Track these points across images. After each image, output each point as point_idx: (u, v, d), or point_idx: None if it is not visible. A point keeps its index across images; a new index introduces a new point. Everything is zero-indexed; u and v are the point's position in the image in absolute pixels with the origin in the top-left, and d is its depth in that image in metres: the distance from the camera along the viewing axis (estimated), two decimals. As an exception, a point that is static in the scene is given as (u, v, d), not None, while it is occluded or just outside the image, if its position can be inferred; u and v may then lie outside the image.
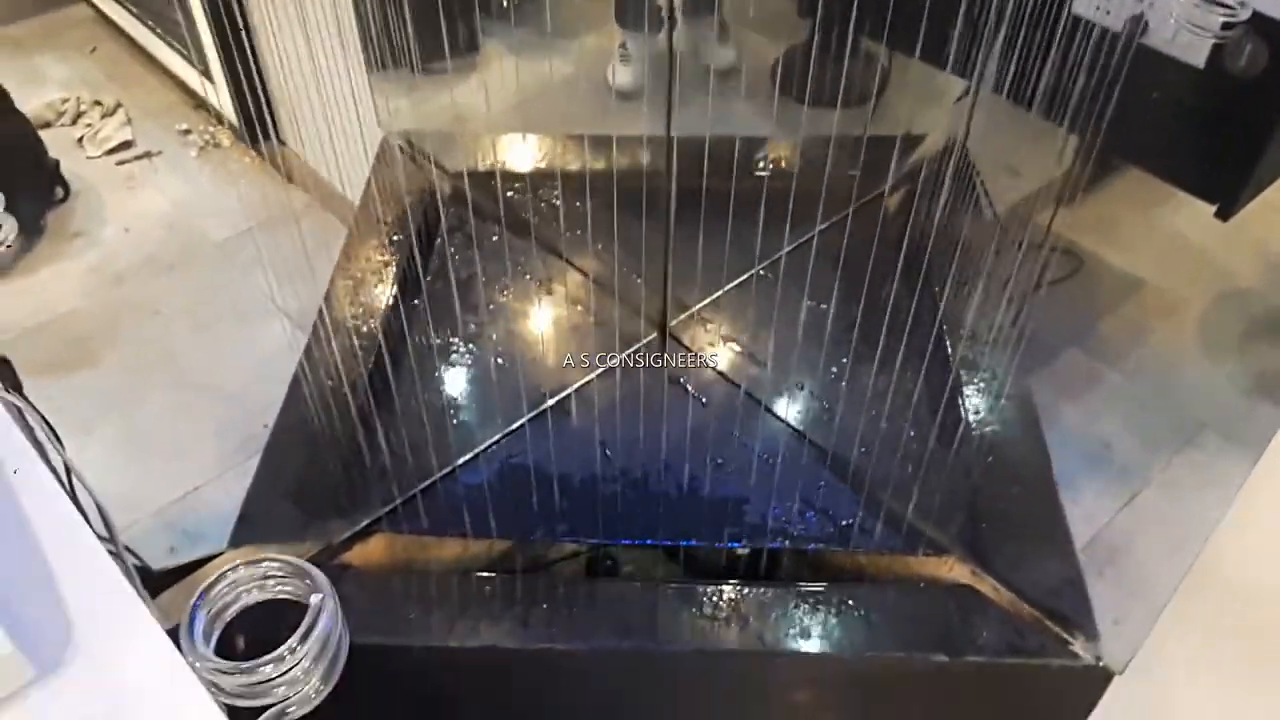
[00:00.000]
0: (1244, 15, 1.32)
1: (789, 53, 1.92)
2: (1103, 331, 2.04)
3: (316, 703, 0.69)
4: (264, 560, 0.72)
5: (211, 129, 2.49)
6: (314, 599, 0.69)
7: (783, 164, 1.74)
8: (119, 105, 2.56)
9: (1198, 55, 1.43)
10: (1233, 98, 1.41)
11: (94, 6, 2.77)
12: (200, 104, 2.52)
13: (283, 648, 0.67)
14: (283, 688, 0.67)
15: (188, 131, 2.51)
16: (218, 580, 0.71)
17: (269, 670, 0.66)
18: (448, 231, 1.62)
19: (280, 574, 0.72)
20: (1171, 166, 1.58)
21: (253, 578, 0.71)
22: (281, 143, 2.30)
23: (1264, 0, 1.32)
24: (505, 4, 1.51)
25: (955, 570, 1.19)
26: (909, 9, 1.38)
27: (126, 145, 2.47)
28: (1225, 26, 1.34)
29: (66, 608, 0.66)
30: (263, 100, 2.21)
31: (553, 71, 1.48)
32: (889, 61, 1.78)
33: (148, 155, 2.45)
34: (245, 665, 0.66)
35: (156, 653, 0.66)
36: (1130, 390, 1.95)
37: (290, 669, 0.67)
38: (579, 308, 1.50)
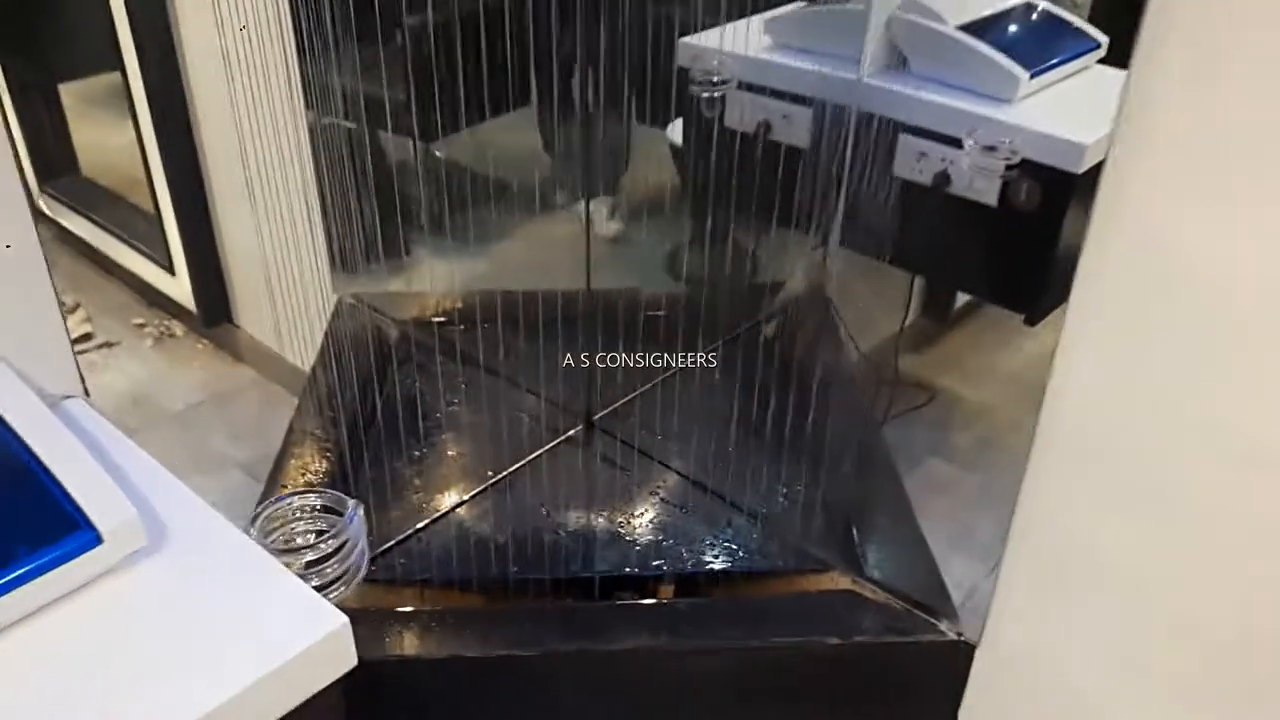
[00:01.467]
0: (1016, 159, 1.76)
1: (676, 249, 2.32)
2: (959, 444, 2.38)
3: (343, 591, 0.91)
4: (310, 491, 0.95)
5: (166, 322, 2.76)
6: (352, 506, 0.93)
7: (676, 304, 2.10)
8: (78, 305, 2.82)
9: (991, 196, 1.85)
10: (1021, 226, 1.82)
11: (56, 225, 3.07)
12: (154, 301, 2.79)
13: (329, 534, 0.90)
14: (329, 566, 0.89)
15: (143, 324, 2.77)
16: (275, 501, 0.94)
17: (312, 553, 0.89)
18: (398, 365, 1.89)
19: (322, 499, 0.95)
20: (986, 287, 1.98)
21: (304, 500, 0.94)
22: (235, 325, 2.58)
23: (1032, 149, 1.75)
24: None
25: (839, 581, 1.44)
26: (767, 194, 1.80)
27: (87, 338, 2.71)
28: (1007, 168, 1.78)
29: (159, 512, 0.89)
30: (224, 285, 2.51)
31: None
32: (756, 236, 2.20)
33: (107, 345, 2.69)
34: (298, 546, 0.89)
35: (233, 538, 0.88)
36: (986, 486, 2.27)
37: (328, 556, 0.90)
38: (518, 410, 1.78)
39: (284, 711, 0.79)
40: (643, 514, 1.53)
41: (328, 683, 0.81)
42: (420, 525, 1.47)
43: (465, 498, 1.54)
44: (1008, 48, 1.83)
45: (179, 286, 2.58)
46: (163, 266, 2.60)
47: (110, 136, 3.03)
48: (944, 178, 1.85)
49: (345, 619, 0.80)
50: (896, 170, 1.91)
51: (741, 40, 2.00)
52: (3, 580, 0.76)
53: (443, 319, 2.00)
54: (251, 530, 0.91)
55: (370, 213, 1.96)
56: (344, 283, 2.05)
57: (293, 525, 0.92)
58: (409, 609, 1.34)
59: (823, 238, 2.02)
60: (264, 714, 0.78)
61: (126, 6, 2.20)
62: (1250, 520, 1.03)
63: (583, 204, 1.85)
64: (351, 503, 0.92)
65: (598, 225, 2.06)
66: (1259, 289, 0.94)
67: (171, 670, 0.76)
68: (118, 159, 2.91)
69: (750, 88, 2.00)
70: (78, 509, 0.80)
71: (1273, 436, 0.99)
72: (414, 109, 2.01)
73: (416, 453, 1.64)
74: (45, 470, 0.83)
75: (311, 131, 1.98)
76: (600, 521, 1.51)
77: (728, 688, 1.36)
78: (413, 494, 1.54)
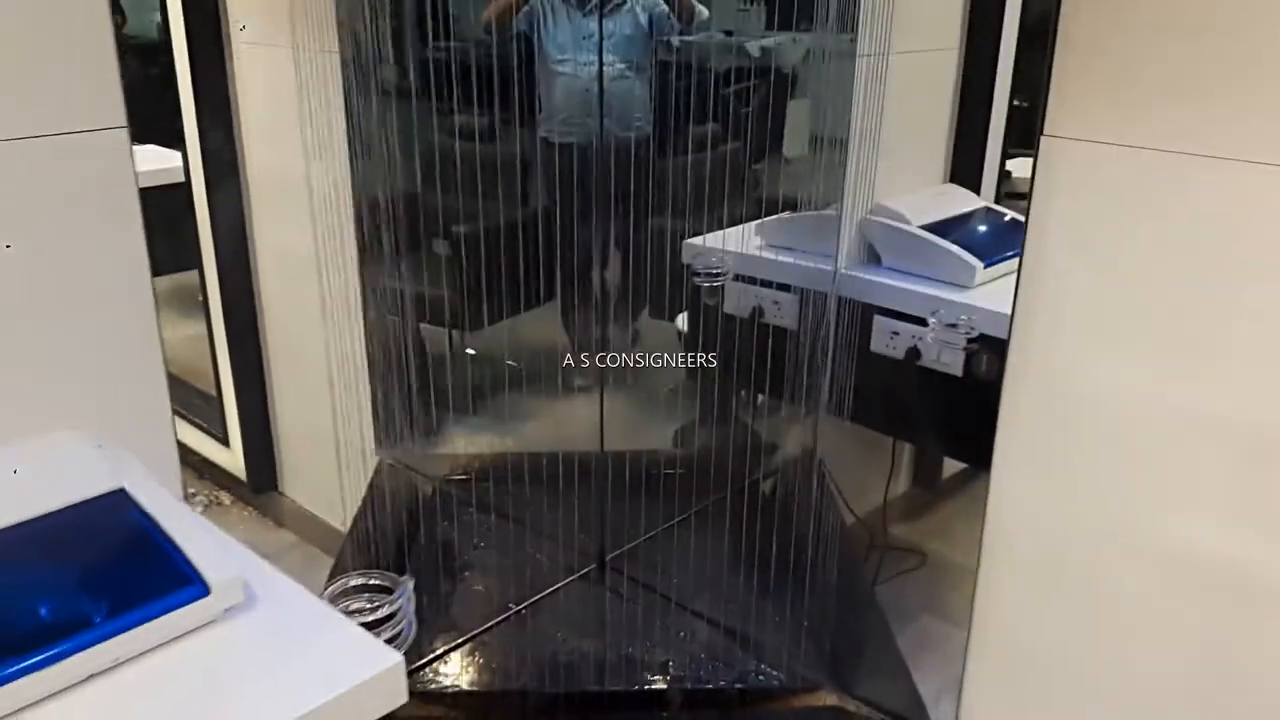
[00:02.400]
0: (976, 334, 2.02)
1: (684, 425, 2.58)
2: (950, 603, 2.53)
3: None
4: (371, 571, 1.16)
5: (216, 492, 3.00)
6: (404, 580, 1.13)
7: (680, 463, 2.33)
8: (136, 478, 3.06)
9: (956, 368, 2.11)
10: (984, 392, 2.06)
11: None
12: (206, 473, 3.04)
13: (385, 602, 1.10)
14: (384, 630, 1.09)
15: (194, 494, 3.01)
16: (339, 578, 1.15)
17: (371, 616, 1.09)
18: (431, 515, 2.11)
19: (380, 579, 1.16)
20: (955, 447, 2.20)
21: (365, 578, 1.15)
22: (280, 493, 2.81)
23: (989, 325, 2.01)
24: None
25: (827, 699, 1.60)
26: (761, 368, 2.07)
27: (141, 506, 2.94)
28: (969, 342, 2.04)
29: (249, 579, 1.10)
30: (273, 455, 2.76)
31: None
32: (753, 405, 2.45)
33: (159, 513, 2.92)
34: (360, 608, 1.09)
35: (309, 601, 1.09)
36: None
37: (384, 620, 1.10)
38: (538, 552, 1.98)
39: (348, 731, 0.97)
40: (650, 640, 1.71)
41: (386, 711, 1.00)
42: (450, 645, 1.65)
43: (490, 624, 1.72)
44: (966, 243, 2.13)
45: (232, 457, 2.83)
46: (218, 439, 2.86)
47: (172, 331, 3.38)
48: (915, 352, 2.11)
49: (400, 658, 1.00)
50: (873, 347, 2.18)
51: (737, 241, 2.32)
52: (137, 617, 0.97)
53: (472, 476, 2.24)
54: (323, 597, 1.11)
55: (411, 391, 2.23)
56: (385, 451, 2.30)
57: (355, 599, 1.12)
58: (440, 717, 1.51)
59: (812, 406, 2.27)
60: (333, 730, 0.96)
61: (211, 213, 2.57)
62: (1171, 614, 1.22)
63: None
64: (403, 579, 1.12)
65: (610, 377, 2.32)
66: (1150, 419, 1.18)
67: (260, 693, 0.95)
68: (179, 351, 3.24)
69: (745, 279, 2.30)
70: (193, 568, 1.02)
71: (1180, 537, 1.19)
72: (453, 305, 2.32)
73: (446, 587, 1.84)
74: (166, 537, 1.05)
75: (365, 323, 2.25)
76: (611, 646, 1.69)
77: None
78: (444, 619, 1.73)
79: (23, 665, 0.91)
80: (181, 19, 2.35)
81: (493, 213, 2.26)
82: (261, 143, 2.42)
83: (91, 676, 0.95)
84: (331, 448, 2.34)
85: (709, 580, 1.87)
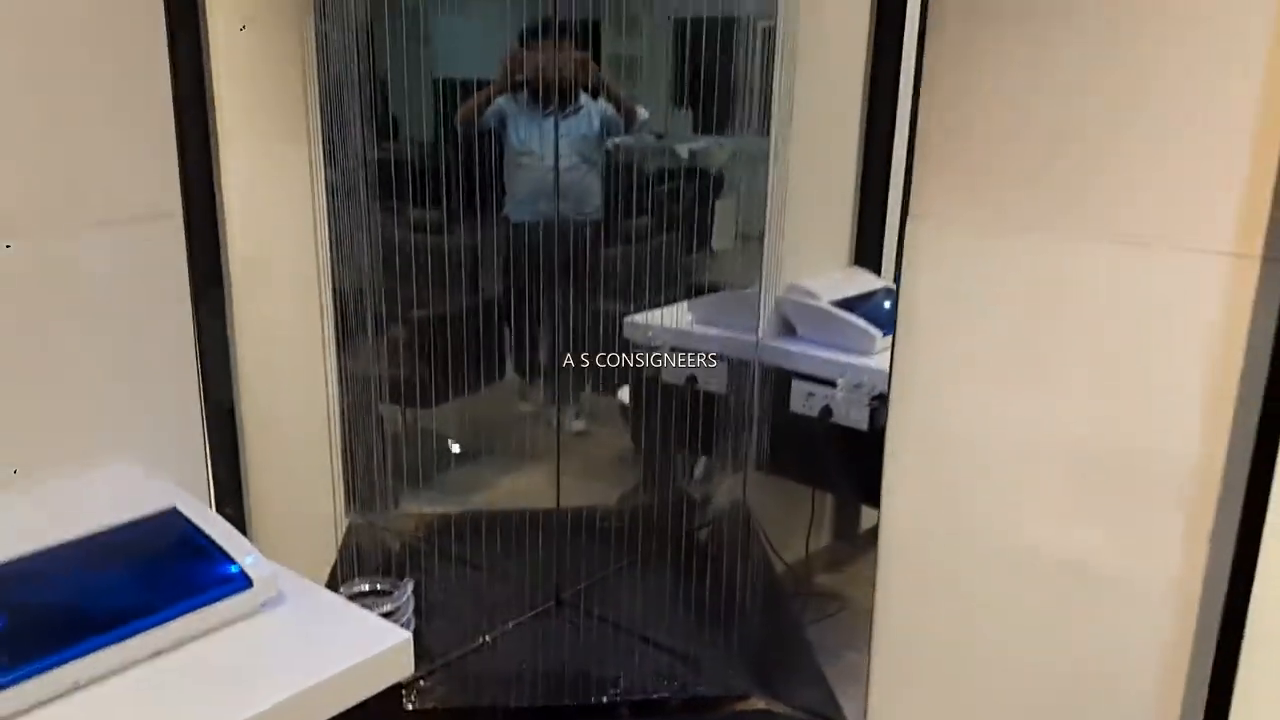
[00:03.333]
0: (877, 393, 2.33)
1: (628, 494, 2.85)
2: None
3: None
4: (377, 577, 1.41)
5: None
6: (405, 582, 1.38)
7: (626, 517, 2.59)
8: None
9: (863, 423, 2.42)
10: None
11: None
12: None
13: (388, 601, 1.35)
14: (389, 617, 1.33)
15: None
16: (347, 584, 1.39)
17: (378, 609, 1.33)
18: (401, 564, 2.33)
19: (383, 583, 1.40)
20: (864, 494, 2.49)
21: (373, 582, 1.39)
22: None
23: (886, 385, 2.34)
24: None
25: (756, 703, 1.85)
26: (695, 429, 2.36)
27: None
28: (872, 399, 2.35)
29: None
30: (244, 522, 2.95)
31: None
32: (689, 462, 2.74)
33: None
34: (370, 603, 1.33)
35: (328, 596, 1.33)
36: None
37: (390, 612, 1.34)
38: (505, 594, 2.21)
39: (371, 693, 1.21)
40: (602, 661, 1.95)
41: (398, 679, 1.24)
42: (427, 670, 1.87)
43: (462, 652, 1.95)
44: (868, 316, 2.46)
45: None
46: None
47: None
48: (827, 410, 2.42)
49: (407, 635, 1.24)
50: (792, 407, 2.48)
51: (672, 318, 2.63)
52: (196, 603, 1.20)
53: (436, 532, 2.46)
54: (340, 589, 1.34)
55: (385, 460, 2.47)
56: (356, 515, 2.52)
57: (363, 600, 1.35)
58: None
59: (740, 463, 2.56)
60: (356, 693, 1.20)
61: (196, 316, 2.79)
62: (1026, 601, 1.52)
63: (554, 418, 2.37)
64: (404, 582, 1.36)
65: (567, 424, 2.59)
66: (1002, 444, 1.49)
67: (294, 660, 1.19)
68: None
69: (680, 350, 2.61)
70: (238, 567, 1.26)
71: (1030, 537, 1.49)
72: (412, 383, 2.58)
73: (419, 624, 2.05)
74: (214, 544, 1.29)
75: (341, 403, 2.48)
76: (569, 666, 1.92)
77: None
78: (419, 648, 1.94)
79: (106, 640, 1.14)
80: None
81: (454, 298, 2.54)
82: (242, 229, 2.68)
83: (160, 652, 1.18)
84: (303, 512, 2.57)
85: (653, 612, 2.12)
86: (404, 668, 1.26)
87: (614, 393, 2.99)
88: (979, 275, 1.49)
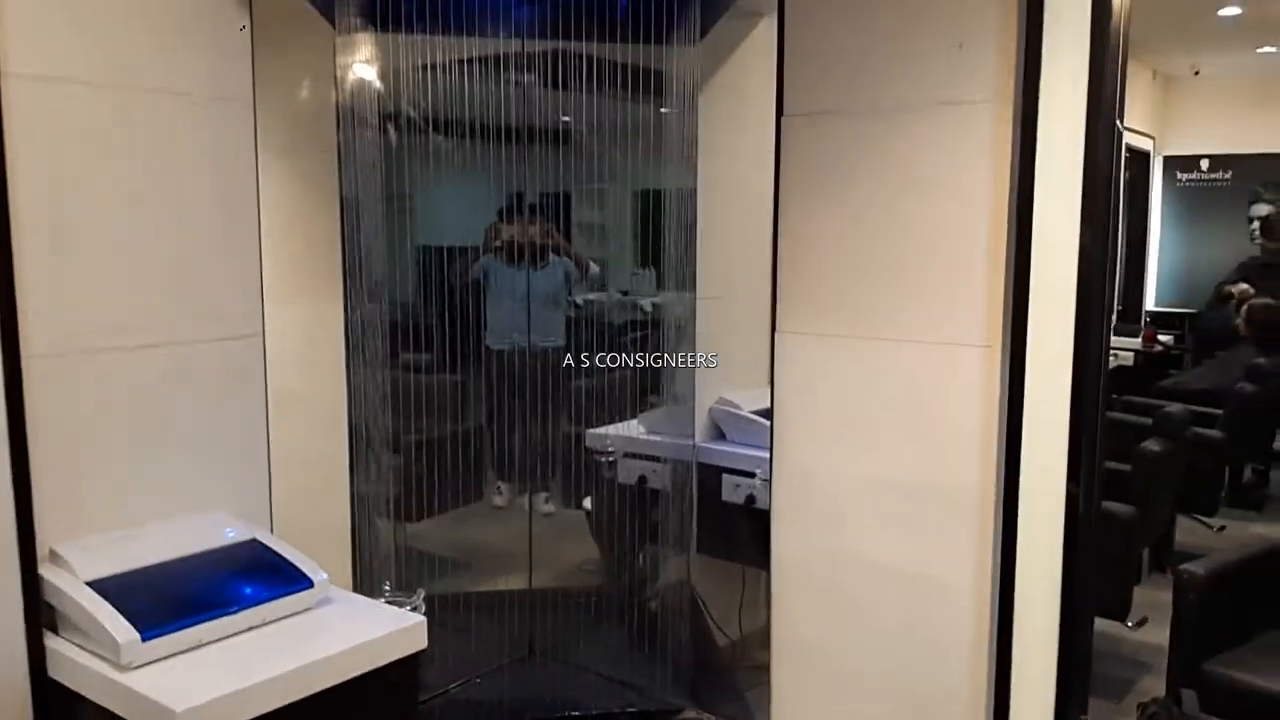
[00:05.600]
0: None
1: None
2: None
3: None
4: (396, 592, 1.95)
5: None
6: (419, 591, 1.92)
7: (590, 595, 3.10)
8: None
9: (779, 507, 2.98)
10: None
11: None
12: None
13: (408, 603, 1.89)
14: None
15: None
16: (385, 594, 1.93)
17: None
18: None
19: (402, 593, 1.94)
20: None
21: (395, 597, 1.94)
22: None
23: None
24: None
25: (689, 713, 2.35)
26: (646, 521, 2.92)
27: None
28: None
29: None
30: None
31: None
32: (641, 549, 3.27)
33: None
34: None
35: (363, 599, 1.87)
36: None
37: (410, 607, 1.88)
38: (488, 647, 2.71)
39: (394, 658, 1.74)
40: (569, 690, 2.46)
41: (416, 649, 1.78)
42: (429, 697, 2.37)
43: (451, 686, 2.45)
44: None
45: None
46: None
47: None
48: (751, 498, 2.98)
49: (422, 618, 1.78)
50: (724, 497, 3.04)
51: (626, 429, 3.22)
52: (277, 595, 1.75)
53: (437, 608, 2.97)
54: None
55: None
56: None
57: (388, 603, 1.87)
58: None
59: (683, 546, 3.10)
60: (384, 655, 1.73)
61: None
62: (878, 603, 2.08)
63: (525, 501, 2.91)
64: (418, 590, 1.88)
65: (538, 506, 3.14)
66: (848, 485, 2.08)
67: (344, 632, 1.73)
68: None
69: (632, 455, 3.18)
70: (301, 573, 1.81)
71: (875, 552, 2.06)
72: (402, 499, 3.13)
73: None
74: (286, 561, 1.84)
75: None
76: (544, 691, 2.43)
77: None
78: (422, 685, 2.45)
79: (217, 614, 1.69)
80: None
81: (440, 425, 3.12)
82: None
83: (253, 627, 1.72)
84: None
85: (611, 657, 2.62)
86: (420, 641, 1.80)
87: (578, 505, 3.54)
88: (819, 369, 2.12)
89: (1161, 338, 6.57)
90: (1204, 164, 8.00)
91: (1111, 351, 6.05)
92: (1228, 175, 7.91)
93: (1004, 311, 1.90)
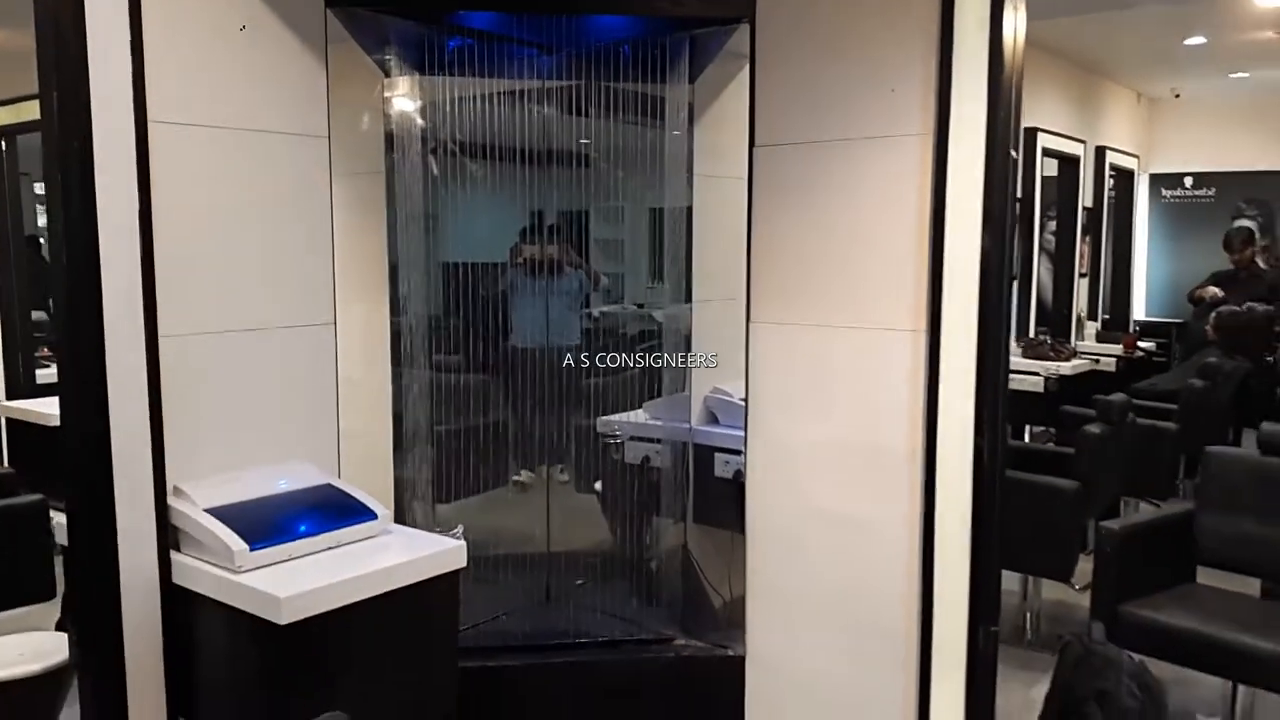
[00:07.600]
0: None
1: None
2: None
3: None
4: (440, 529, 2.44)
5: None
6: (460, 526, 2.40)
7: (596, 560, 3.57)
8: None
9: (763, 480, 3.44)
10: (780, 494, 3.40)
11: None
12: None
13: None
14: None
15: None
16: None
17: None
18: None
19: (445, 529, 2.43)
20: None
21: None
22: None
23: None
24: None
25: (678, 640, 2.82)
26: (650, 494, 3.39)
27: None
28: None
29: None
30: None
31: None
32: (645, 520, 3.74)
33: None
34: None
35: (417, 530, 2.36)
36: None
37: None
38: (513, 591, 3.19)
39: (441, 571, 2.23)
40: (579, 623, 2.93)
41: (455, 567, 2.26)
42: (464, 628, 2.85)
43: (480, 622, 2.93)
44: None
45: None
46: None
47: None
48: (739, 473, 3.44)
49: (462, 541, 2.27)
50: (716, 473, 3.51)
51: (633, 415, 3.69)
52: (349, 523, 2.24)
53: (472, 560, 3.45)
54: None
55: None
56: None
57: (433, 539, 2.36)
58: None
59: (680, 517, 3.57)
60: (433, 568, 2.22)
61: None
62: (827, 543, 2.54)
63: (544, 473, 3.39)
64: (459, 526, 2.37)
65: (555, 476, 3.62)
66: (807, 447, 2.56)
67: (398, 553, 2.22)
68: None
69: (637, 439, 3.66)
70: (369, 509, 2.30)
71: (825, 500, 2.54)
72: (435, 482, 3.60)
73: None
74: (355, 499, 2.33)
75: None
76: (568, 625, 2.91)
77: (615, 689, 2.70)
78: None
79: (303, 534, 2.18)
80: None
81: (469, 418, 3.61)
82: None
83: (329, 548, 2.21)
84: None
85: (616, 603, 3.09)
86: (460, 560, 2.28)
87: (590, 489, 4.01)
88: (785, 352, 2.59)
89: (1142, 344, 6.99)
90: (1188, 181, 8.44)
91: (1093, 357, 6.52)
92: (1211, 192, 8.35)
93: (926, 302, 2.37)
